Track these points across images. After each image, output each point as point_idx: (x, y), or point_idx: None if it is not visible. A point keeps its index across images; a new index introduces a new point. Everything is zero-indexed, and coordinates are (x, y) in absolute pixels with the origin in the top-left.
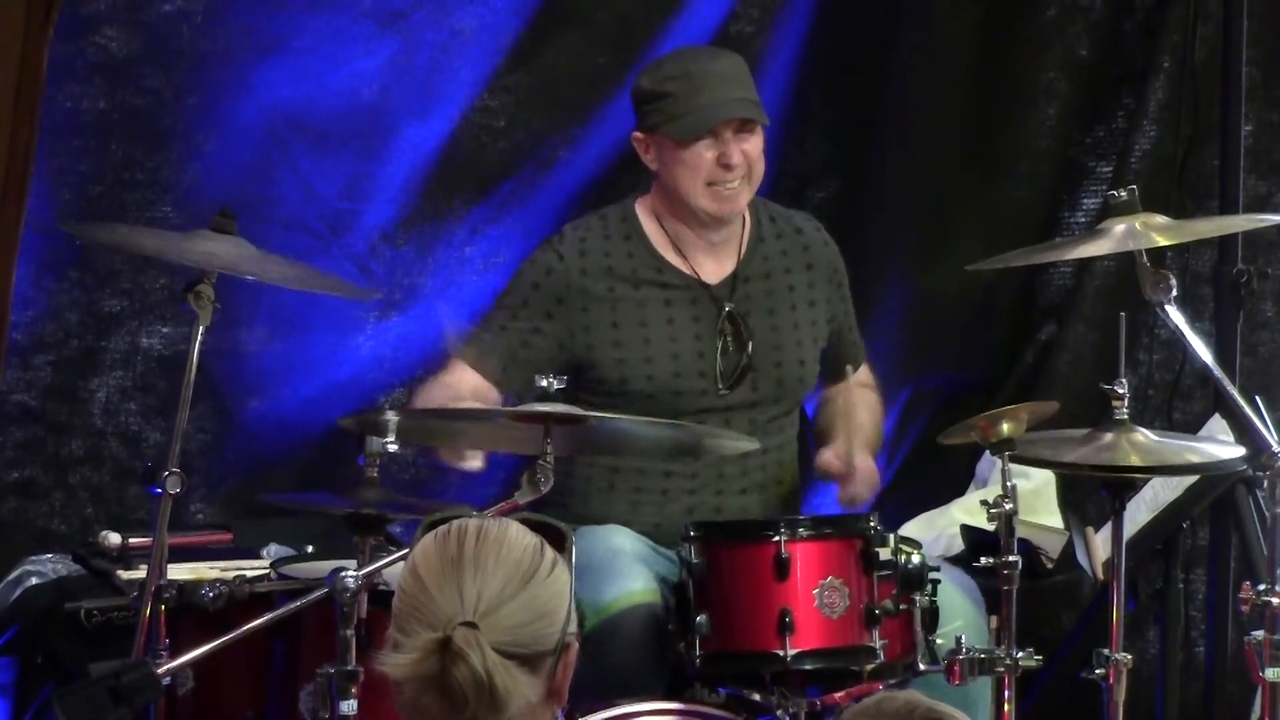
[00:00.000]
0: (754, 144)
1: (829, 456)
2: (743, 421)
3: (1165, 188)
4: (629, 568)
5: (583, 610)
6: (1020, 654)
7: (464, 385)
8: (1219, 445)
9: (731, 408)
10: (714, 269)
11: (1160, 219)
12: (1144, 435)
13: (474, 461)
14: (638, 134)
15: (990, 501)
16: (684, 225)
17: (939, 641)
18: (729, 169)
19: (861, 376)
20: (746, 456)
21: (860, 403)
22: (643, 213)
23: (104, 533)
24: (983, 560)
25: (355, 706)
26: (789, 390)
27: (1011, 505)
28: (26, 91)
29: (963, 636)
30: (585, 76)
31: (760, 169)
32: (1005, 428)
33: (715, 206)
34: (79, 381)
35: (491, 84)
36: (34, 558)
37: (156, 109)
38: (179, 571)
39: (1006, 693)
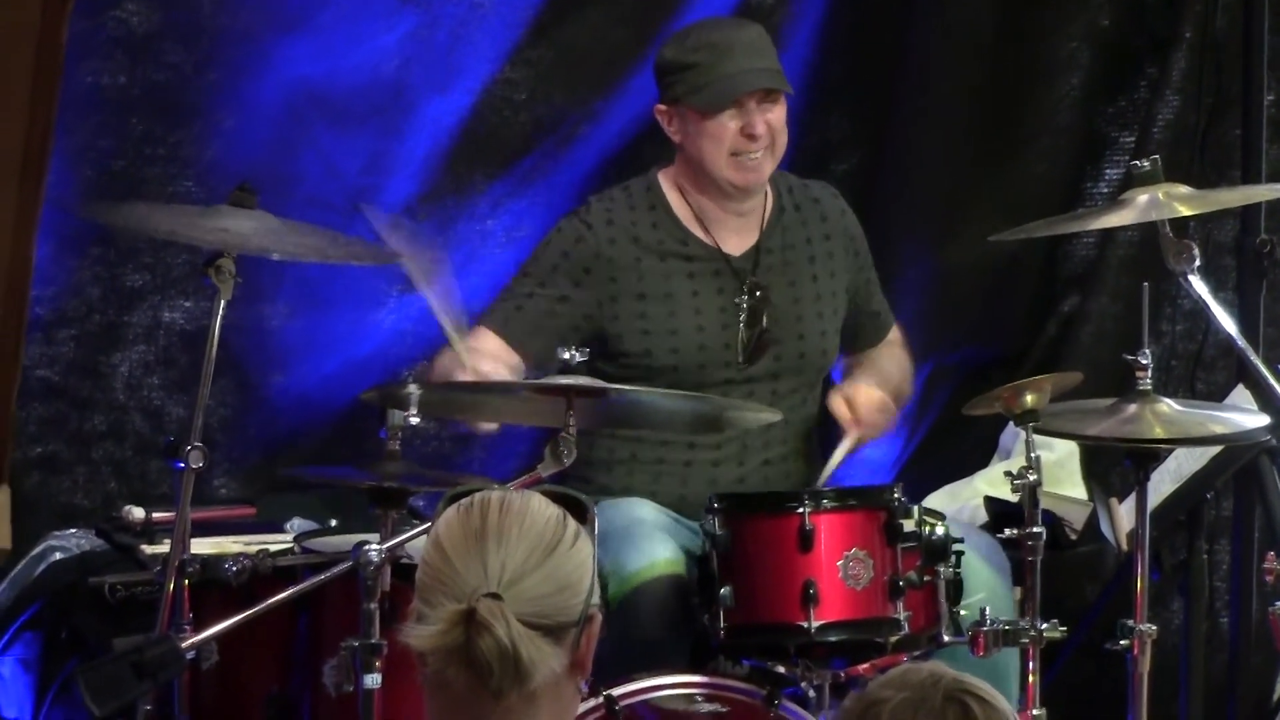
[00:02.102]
0: (777, 114)
1: (834, 396)
2: (765, 393)
3: (1188, 158)
4: (654, 536)
5: (605, 577)
6: (1044, 625)
7: (487, 348)
8: (1243, 415)
9: (754, 380)
10: (736, 242)
11: (1183, 189)
12: (1168, 406)
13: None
14: (661, 106)
15: (1014, 473)
16: (707, 198)
17: (963, 613)
18: (753, 139)
19: (890, 336)
20: (770, 428)
21: (884, 355)
22: (666, 185)
23: (127, 507)
24: (1007, 532)
25: (379, 679)
26: (811, 362)
27: (1035, 476)
28: (46, 67)
29: (987, 608)
30: (606, 50)
31: (783, 139)
32: (1029, 399)
33: (739, 177)
34: (101, 356)
35: (512, 58)
36: (57, 533)
37: (177, 85)
38: (202, 546)
39: (1031, 664)
